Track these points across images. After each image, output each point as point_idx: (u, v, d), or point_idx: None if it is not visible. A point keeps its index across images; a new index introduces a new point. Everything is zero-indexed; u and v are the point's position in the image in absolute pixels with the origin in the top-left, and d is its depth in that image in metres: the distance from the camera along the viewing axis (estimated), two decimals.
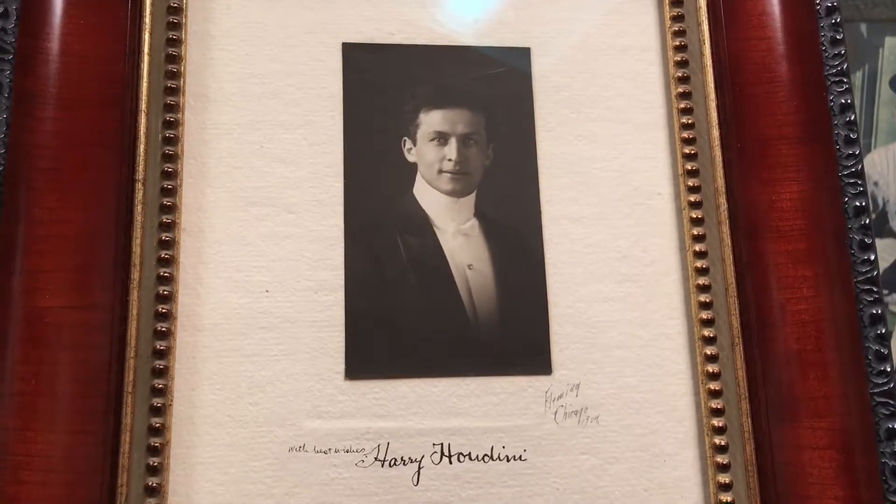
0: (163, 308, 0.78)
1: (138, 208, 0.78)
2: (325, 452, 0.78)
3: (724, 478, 0.79)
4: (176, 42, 0.83)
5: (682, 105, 0.86)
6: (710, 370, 0.81)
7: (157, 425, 0.75)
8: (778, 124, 0.84)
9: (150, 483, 0.74)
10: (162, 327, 0.77)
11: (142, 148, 0.79)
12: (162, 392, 0.76)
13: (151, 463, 0.74)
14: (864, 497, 0.76)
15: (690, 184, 0.85)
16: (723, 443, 0.79)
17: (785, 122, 0.84)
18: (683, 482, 0.80)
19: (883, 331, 0.79)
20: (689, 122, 0.86)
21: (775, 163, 0.83)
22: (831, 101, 0.84)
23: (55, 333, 0.74)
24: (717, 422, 0.80)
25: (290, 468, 0.77)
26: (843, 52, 0.85)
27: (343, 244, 0.82)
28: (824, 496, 0.76)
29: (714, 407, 0.80)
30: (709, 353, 0.81)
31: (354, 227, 0.83)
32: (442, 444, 0.79)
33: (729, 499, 0.78)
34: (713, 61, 0.85)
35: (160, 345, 0.77)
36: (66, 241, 0.76)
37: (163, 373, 0.76)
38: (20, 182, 0.76)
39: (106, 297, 0.76)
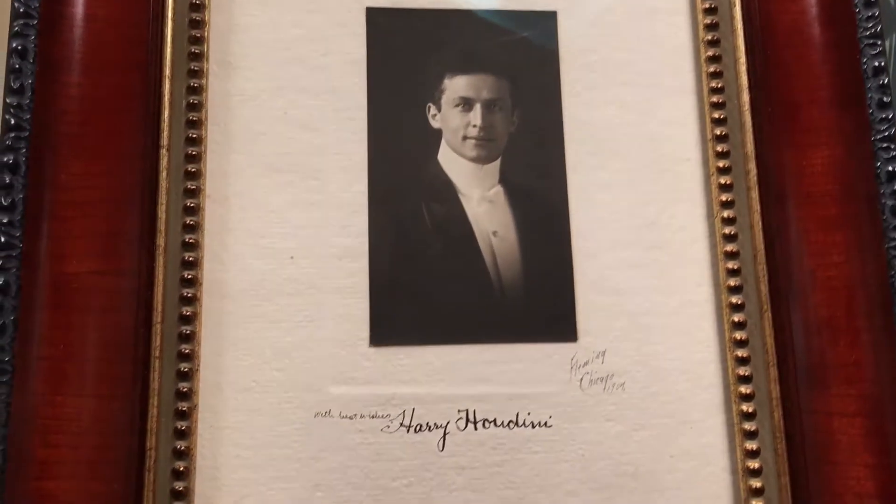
0: (188, 274, 0.78)
1: (163, 174, 0.77)
2: (350, 418, 0.78)
3: (751, 444, 0.78)
4: (199, 7, 0.82)
5: (712, 69, 0.85)
6: (738, 337, 0.80)
7: (185, 390, 0.75)
8: (809, 88, 0.82)
9: (178, 446, 0.74)
10: (188, 293, 0.77)
11: (166, 114, 0.79)
12: (189, 357, 0.76)
13: (179, 427, 0.74)
14: (894, 464, 0.75)
15: (719, 149, 0.83)
16: (750, 410, 0.79)
17: (817, 85, 0.82)
18: (710, 449, 0.79)
19: None
20: (719, 86, 0.85)
21: (806, 127, 0.82)
22: (864, 63, 0.83)
23: (82, 299, 0.74)
24: (744, 389, 0.79)
25: (317, 433, 0.77)
26: (876, 14, 0.84)
27: (367, 211, 0.82)
28: (853, 463, 0.76)
29: (742, 374, 0.79)
30: (736, 320, 0.80)
31: (379, 193, 0.82)
32: (467, 410, 0.79)
33: (756, 465, 0.77)
34: (744, 24, 0.84)
35: (186, 310, 0.77)
36: (92, 207, 0.76)
37: (189, 338, 0.76)
38: (46, 147, 0.76)
39: (132, 262, 0.76)
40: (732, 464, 0.79)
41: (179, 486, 0.74)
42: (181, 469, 0.74)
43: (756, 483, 0.77)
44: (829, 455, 0.76)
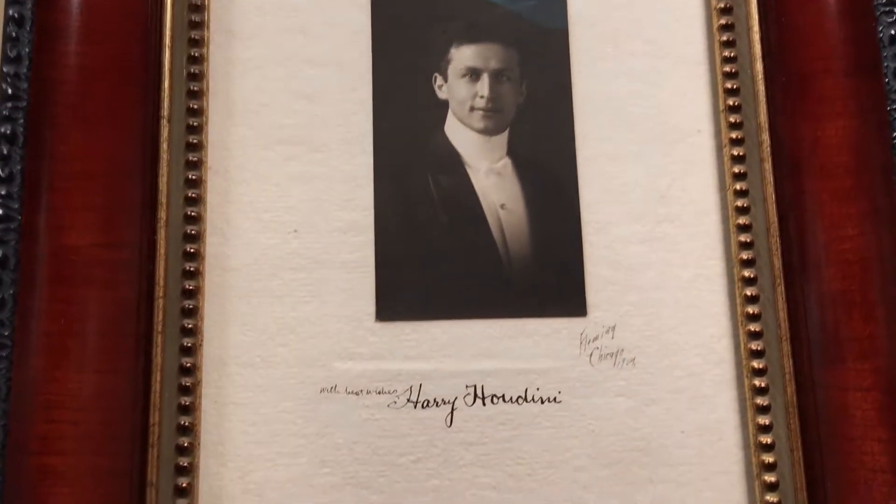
0: (190, 248, 0.76)
1: (164, 146, 0.76)
2: (356, 394, 0.77)
3: (763, 419, 0.77)
4: None
5: (725, 38, 0.83)
6: (751, 311, 0.79)
7: (188, 365, 0.74)
8: (824, 57, 0.80)
9: (182, 422, 0.73)
10: (190, 267, 0.76)
11: (166, 84, 0.77)
12: (191, 332, 0.75)
13: (183, 402, 0.73)
14: None
15: (732, 120, 0.82)
16: (763, 384, 0.77)
17: (832, 54, 0.80)
18: (722, 424, 0.78)
19: None
20: (732, 55, 0.83)
21: (821, 97, 0.80)
22: (881, 31, 0.81)
23: (82, 272, 0.73)
24: (756, 363, 0.78)
25: (322, 409, 0.76)
26: None
27: (373, 184, 0.80)
28: (867, 438, 0.74)
29: (754, 348, 0.78)
30: (749, 293, 0.79)
31: (384, 166, 0.81)
32: (475, 385, 0.78)
33: (769, 440, 0.76)
34: None
35: (189, 284, 0.75)
36: (92, 179, 0.74)
37: (192, 313, 0.75)
38: (44, 118, 0.74)
39: (133, 235, 0.74)
40: (744, 439, 0.78)
41: (184, 461, 0.73)
42: (185, 445, 0.73)
43: (768, 458, 0.76)
44: (843, 430, 0.75)
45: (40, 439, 0.70)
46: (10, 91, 0.74)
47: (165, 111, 0.76)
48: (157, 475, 0.71)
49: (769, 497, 0.76)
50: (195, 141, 0.78)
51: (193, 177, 0.77)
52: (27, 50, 0.75)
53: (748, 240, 0.80)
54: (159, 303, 0.73)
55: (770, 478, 0.76)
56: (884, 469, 0.74)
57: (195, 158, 0.78)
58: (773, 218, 0.79)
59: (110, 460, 0.71)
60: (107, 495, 0.70)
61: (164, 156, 0.76)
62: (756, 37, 0.81)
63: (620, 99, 0.84)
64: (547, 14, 0.85)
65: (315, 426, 0.76)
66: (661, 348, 0.79)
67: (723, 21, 0.84)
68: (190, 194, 0.77)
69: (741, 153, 0.81)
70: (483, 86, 0.83)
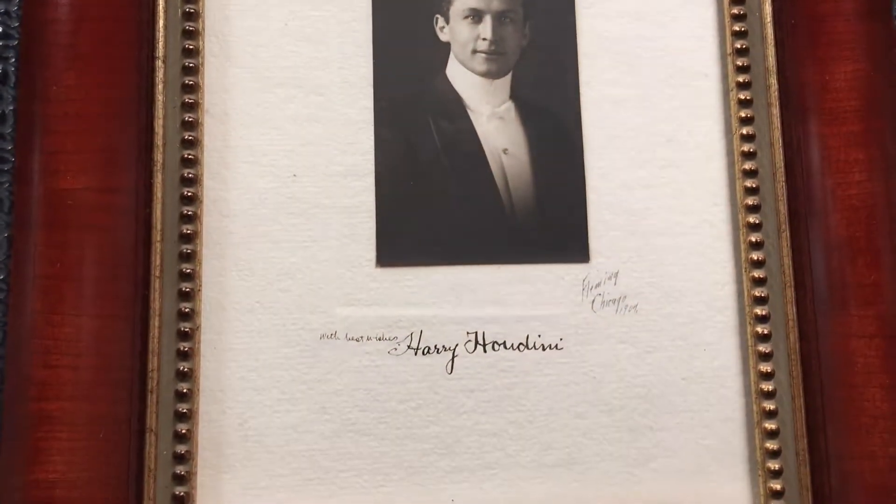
0: (188, 191, 0.75)
1: (159, 87, 0.74)
2: (357, 340, 0.76)
3: (765, 367, 0.77)
4: None
5: None
6: (755, 258, 0.78)
7: (187, 310, 0.73)
8: None
9: (181, 367, 0.72)
10: (188, 211, 0.75)
11: (161, 23, 0.75)
12: (190, 277, 0.74)
13: (182, 348, 0.73)
14: None
15: (739, 63, 0.80)
16: (765, 332, 0.77)
17: None
18: (724, 371, 0.78)
19: None
20: None
21: (830, 40, 0.78)
22: None
23: (78, 216, 0.72)
24: (759, 310, 0.77)
25: (322, 355, 0.76)
26: None
27: (373, 127, 0.79)
28: (869, 384, 0.74)
29: (757, 295, 0.77)
30: (753, 240, 0.78)
31: (385, 109, 0.79)
32: (476, 332, 0.77)
33: (770, 388, 0.76)
34: None
35: (186, 229, 0.74)
36: (85, 121, 0.73)
37: (190, 257, 0.74)
38: (35, 58, 0.72)
39: (129, 179, 0.73)
40: (746, 386, 0.78)
41: (183, 407, 0.72)
42: (184, 391, 0.72)
43: (770, 405, 0.76)
44: (845, 377, 0.75)
45: (38, 385, 0.69)
46: (0, 30, 0.72)
47: (160, 51, 0.75)
48: (156, 421, 0.71)
49: (769, 444, 0.76)
50: (191, 82, 0.76)
51: (190, 119, 0.76)
52: None
53: (754, 185, 0.79)
54: (157, 247, 0.72)
55: (771, 425, 0.76)
56: (885, 415, 0.74)
57: (191, 100, 0.76)
58: (780, 163, 0.78)
59: (109, 406, 0.70)
60: (105, 441, 0.70)
61: (159, 97, 0.74)
62: None
63: (626, 41, 0.82)
64: None
65: (315, 372, 0.75)
66: (663, 295, 0.79)
67: None
68: (186, 137, 0.75)
69: (748, 97, 0.80)
70: (485, 27, 0.81)
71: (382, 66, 0.80)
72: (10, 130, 0.71)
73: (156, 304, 0.72)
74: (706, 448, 0.77)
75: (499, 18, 0.81)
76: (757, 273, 0.78)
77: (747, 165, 0.79)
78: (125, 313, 0.71)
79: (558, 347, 0.78)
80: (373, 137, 0.79)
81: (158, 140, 0.74)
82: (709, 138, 0.81)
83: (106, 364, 0.70)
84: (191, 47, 0.77)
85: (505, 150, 0.80)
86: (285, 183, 0.78)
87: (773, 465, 0.76)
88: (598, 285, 0.79)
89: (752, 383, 0.77)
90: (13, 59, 0.72)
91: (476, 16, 0.81)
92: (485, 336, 0.77)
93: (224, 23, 0.79)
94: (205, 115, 0.77)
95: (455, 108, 0.80)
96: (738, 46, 0.80)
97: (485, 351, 0.77)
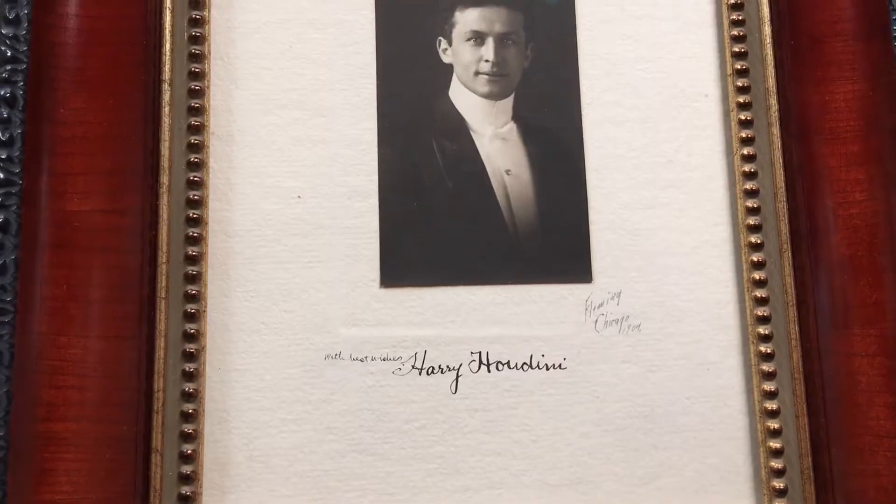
0: (193, 213, 0.75)
1: (165, 110, 0.75)
2: (361, 360, 0.76)
3: (769, 385, 0.77)
4: None
5: (732, 0, 0.82)
6: (757, 277, 0.78)
7: (192, 331, 0.74)
8: (833, 20, 0.79)
9: (187, 388, 0.73)
10: (193, 233, 0.75)
11: (167, 47, 0.76)
12: (195, 298, 0.74)
13: (187, 369, 0.73)
14: None
15: (739, 84, 0.81)
16: (768, 350, 0.77)
17: (841, 17, 0.79)
18: (727, 390, 0.78)
19: None
20: (740, 18, 0.82)
21: (830, 61, 0.79)
22: None
23: (85, 238, 0.72)
24: (762, 329, 0.78)
25: (327, 376, 0.76)
26: None
27: (377, 148, 0.80)
28: (873, 403, 0.74)
29: (760, 314, 0.78)
30: (755, 259, 0.79)
31: (388, 130, 0.80)
32: (480, 352, 0.78)
33: (774, 406, 0.76)
34: None
35: (192, 250, 0.75)
36: (93, 144, 0.73)
37: (196, 279, 0.75)
38: (43, 81, 0.73)
39: (135, 201, 0.74)
40: (749, 405, 0.78)
41: (188, 428, 0.72)
42: (190, 411, 0.73)
43: (773, 424, 0.76)
44: (849, 396, 0.75)
45: (45, 405, 0.70)
46: (9, 53, 0.73)
47: (167, 74, 0.75)
48: (161, 442, 0.71)
49: (774, 463, 0.76)
50: (197, 105, 0.77)
51: (196, 141, 0.76)
52: (26, 11, 0.73)
53: (755, 205, 0.79)
54: (163, 269, 0.73)
55: (775, 444, 0.76)
56: (889, 434, 0.74)
57: (197, 123, 0.77)
58: (781, 183, 0.78)
59: (115, 427, 0.70)
60: (112, 462, 0.70)
61: (165, 120, 0.75)
62: (765, 0, 0.80)
63: (627, 63, 0.83)
64: None
65: (320, 393, 0.76)
66: (666, 314, 0.79)
67: None
68: (192, 159, 0.76)
69: (748, 117, 0.81)
70: (488, 50, 0.82)
71: (386, 88, 0.80)
72: (17, 153, 0.72)
73: (161, 326, 0.72)
74: (710, 467, 0.77)
75: (501, 41, 0.82)
76: (759, 292, 0.78)
77: (748, 185, 0.80)
78: (131, 334, 0.72)
79: (562, 367, 0.78)
80: (376, 159, 0.79)
81: (165, 162, 0.74)
82: (710, 158, 0.82)
83: (112, 385, 0.71)
84: (197, 70, 0.77)
85: (508, 171, 0.80)
86: (290, 204, 0.78)
87: (778, 483, 0.76)
88: (601, 305, 0.79)
89: (756, 402, 0.77)
90: (21, 83, 0.72)
91: (479, 38, 0.82)
92: (489, 356, 0.78)
93: (229, 46, 0.80)
94: (210, 136, 0.78)
95: (458, 129, 0.81)
96: (738, 67, 0.81)
97: (489, 371, 0.77)
